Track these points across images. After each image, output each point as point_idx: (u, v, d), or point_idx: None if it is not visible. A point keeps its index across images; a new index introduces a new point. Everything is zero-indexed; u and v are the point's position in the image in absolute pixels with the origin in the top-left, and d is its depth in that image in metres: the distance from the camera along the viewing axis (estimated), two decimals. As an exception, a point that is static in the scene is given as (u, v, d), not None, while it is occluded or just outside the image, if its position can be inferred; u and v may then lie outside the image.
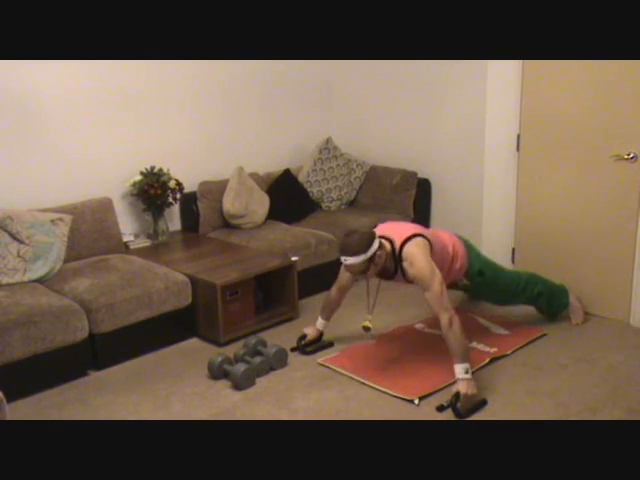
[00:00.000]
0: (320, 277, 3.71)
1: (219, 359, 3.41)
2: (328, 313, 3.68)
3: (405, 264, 3.20)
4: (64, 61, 4.02)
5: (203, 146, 4.81)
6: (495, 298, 3.88)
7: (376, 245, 3.10)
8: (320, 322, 3.70)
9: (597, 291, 4.04)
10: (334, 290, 3.62)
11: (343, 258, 3.13)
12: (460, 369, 3.03)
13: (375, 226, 3.44)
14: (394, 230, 3.31)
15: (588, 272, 4.06)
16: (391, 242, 3.23)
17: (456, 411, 3.00)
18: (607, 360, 3.52)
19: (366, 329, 3.51)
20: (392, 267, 3.26)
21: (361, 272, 3.17)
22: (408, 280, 3.27)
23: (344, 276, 3.54)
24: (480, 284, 3.69)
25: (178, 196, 4.45)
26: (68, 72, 4.05)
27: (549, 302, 3.90)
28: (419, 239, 3.23)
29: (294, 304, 4.12)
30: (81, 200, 4.13)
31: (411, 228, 3.34)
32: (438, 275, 3.14)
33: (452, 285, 3.59)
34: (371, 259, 3.09)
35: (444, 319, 3.06)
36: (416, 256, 3.17)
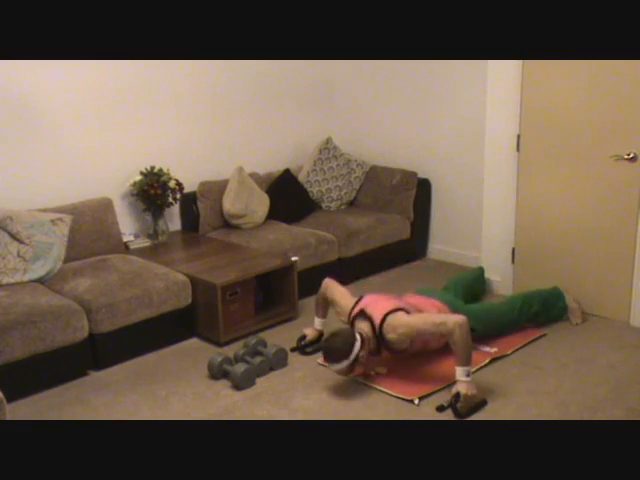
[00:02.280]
0: (320, 277, 3.71)
1: (219, 359, 3.41)
2: (323, 311, 3.70)
3: (388, 337, 3.23)
4: (64, 61, 4.02)
5: (203, 146, 4.81)
6: (494, 333, 3.81)
7: (357, 347, 3.14)
8: (318, 321, 3.72)
9: (597, 291, 4.04)
10: (322, 290, 3.65)
11: (328, 364, 3.24)
12: (461, 371, 3.04)
13: (360, 299, 3.44)
14: (375, 306, 3.32)
15: (588, 272, 4.06)
16: (371, 320, 3.26)
17: (456, 411, 3.00)
18: (607, 360, 3.52)
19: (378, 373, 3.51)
20: (375, 347, 3.30)
21: (348, 373, 3.24)
22: (399, 351, 3.31)
23: (330, 284, 3.62)
24: (477, 332, 3.57)
25: (178, 196, 4.45)
26: (68, 72, 4.05)
27: (547, 315, 3.91)
28: (399, 313, 3.25)
29: (294, 304, 4.12)
30: (81, 200, 4.13)
31: (392, 303, 3.33)
32: (423, 314, 3.23)
33: (447, 345, 3.53)
34: (355, 361, 3.15)
35: (451, 323, 3.05)
36: (395, 320, 3.21)
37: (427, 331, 3.17)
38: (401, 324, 3.19)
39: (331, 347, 3.18)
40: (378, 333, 3.24)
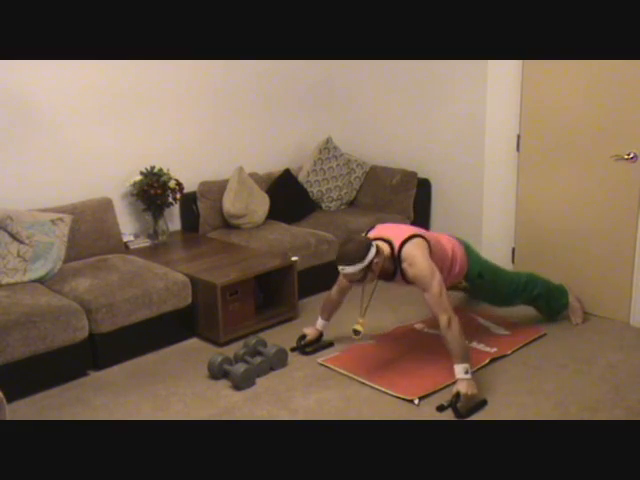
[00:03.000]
0: (320, 277, 3.71)
1: (219, 359, 3.41)
2: (328, 313, 3.68)
3: (405, 265, 3.20)
4: (64, 61, 4.01)
5: (203, 146, 4.81)
6: (493, 299, 3.87)
7: (373, 252, 3.11)
8: (320, 322, 3.70)
9: (597, 291, 4.04)
10: (334, 291, 3.62)
11: (340, 267, 3.15)
12: (460, 369, 3.04)
13: (373, 227, 3.44)
14: (393, 231, 3.31)
15: (588, 272, 4.06)
16: (390, 244, 3.23)
17: (456, 411, 3.00)
18: (607, 360, 3.52)
19: (356, 332, 3.48)
20: (392, 269, 3.26)
21: (359, 280, 3.18)
22: (408, 281, 3.27)
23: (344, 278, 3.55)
24: (479, 286, 3.69)
25: (178, 196, 4.44)
26: (68, 72, 4.05)
27: (548, 303, 3.91)
28: (418, 240, 3.23)
29: (294, 304, 4.12)
30: (81, 200, 4.13)
31: (410, 229, 3.34)
32: (438, 276, 3.15)
33: (451, 287, 3.58)
34: (368, 267, 3.11)
35: (443, 320, 3.07)
36: (416, 256, 3.17)
37: (428, 292, 3.13)
38: (417, 264, 3.15)
39: (346, 250, 3.12)
40: (397, 256, 3.21)
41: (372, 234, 3.34)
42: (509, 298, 3.83)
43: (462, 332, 3.08)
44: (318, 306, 3.80)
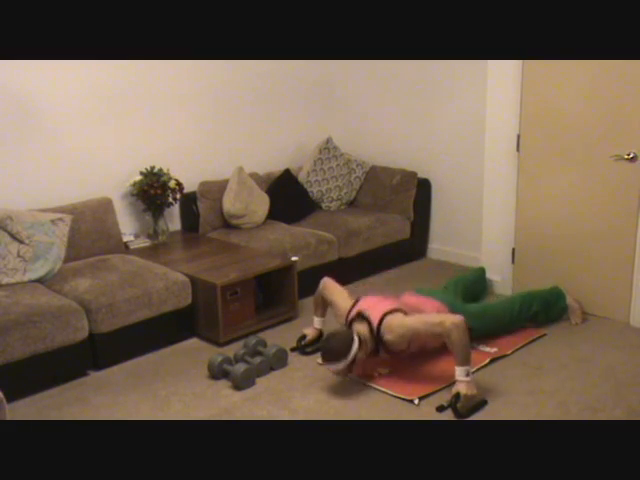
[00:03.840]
0: (320, 277, 3.71)
1: (219, 359, 3.41)
2: (322, 310, 3.71)
3: (386, 338, 3.23)
4: (64, 61, 4.02)
5: (203, 146, 4.81)
6: (493, 333, 3.81)
7: (355, 347, 3.16)
8: (317, 320, 3.72)
9: (597, 291, 4.04)
10: (320, 289, 3.66)
11: (326, 365, 3.25)
12: (461, 371, 3.04)
13: (357, 300, 3.45)
14: (372, 307, 3.33)
15: (588, 272, 4.06)
16: (368, 322, 3.27)
17: (456, 411, 3.00)
18: (607, 360, 3.52)
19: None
20: (373, 348, 3.29)
21: (346, 373, 3.28)
22: (397, 350, 3.31)
23: (328, 284, 3.63)
24: (475, 330, 3.56)
25: (178, 196, 4.44)
26: (68, 72, 4.05)
27: (547, 315, 3.90)
28: (397, 314, 3.26)
29: (294, 304, 4.12)
30: (81, 200, 4.13)
31: (390, 304, 3.35)
32: (421, 315, 3.24)
33: (443, 347, 3.53)
34: (353, 362, 3.17)
35: (448, 324, 3.06)
36: (393, 321, 3.22)
37: (424, 331, 3.18)
38: (399, 325, 3.20)
39: (329, 348, 3.19)
40: (376, 334, 3.25)
41: (354, 311, 3.37)
42: (507, 327, 3.79)
43: (467, 335, 3.07)
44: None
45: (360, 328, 3.26)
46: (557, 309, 3.93)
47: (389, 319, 3.23)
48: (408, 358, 3.50)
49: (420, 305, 3.47)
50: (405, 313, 3.28)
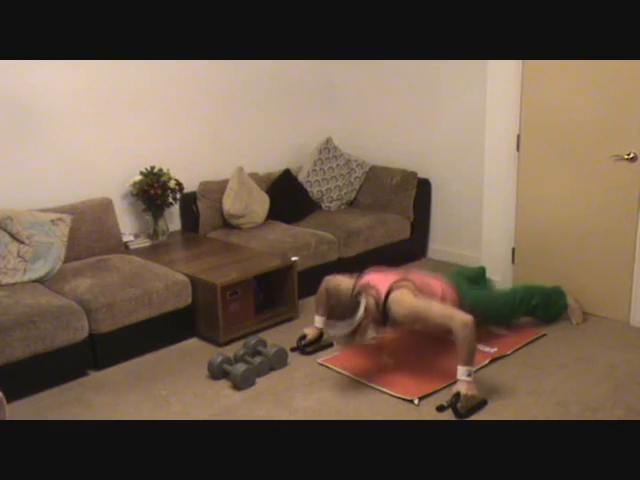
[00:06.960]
0: (320, 277, 3.71)
1: (219, 359, 3.41)
2: (323, 309, 3.69)
3: (393, 310, 3.23)
4: (64, 61, 4.02)
5: (203, 146, 4.81)
6: (491, 322, 3.82)
7: (361, 312, 3.14)
8: (318, 319, 3.71)
9: (597, 291, 4.04)
10: (323, 287, 3.65)
11: (330, 330, 3.22)
12: (463, 371, 3.03)
13: (362, 274, 3.45)
14: (379, 279, 3.33)
15: (588, 272, 4.06)
16: (376, 293, 3.26)
17: (456, 411, 3.00)
18: (607, 360, 3.52)
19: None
20: (380, 318, 3.29)
21: (348, 341, 3.23)
22: (401, 325, 3.31)
23: (333, 280, 3.60)
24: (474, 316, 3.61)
25: (178, 196, 4.45)
26: (68, 72, 4.05)
27: (546, 310, 3.90)
28: (404, 284, 3.26)
29: (294, 304, 4.12)
30: (81, 200, 4.13)
31: (395, 275, 3.36)
32: (433, 301, 3.21)
33: (443, 342, 3.52)
34: (356, 329, 3.15)
35: (457, 322, 3.04)
36: (402, 297, 3.21)
37: (431, 318, 3.16)
38: (407, 303, 3.19)
39: (336, 305, 3.19)
40: (382, 306, 3.24)
41: (360, 282, 3.37)
42: (507, 317, 3.80)
43: (475, 336, 3.05)
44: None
45: (367, 299, 3.24)
46: (557, 307, 3.93)
47: (397, 294, 3.22)
48: (408, 358, 3.50)
49: (426, 283, 3.46)
50: (411, 286, 3.27)
